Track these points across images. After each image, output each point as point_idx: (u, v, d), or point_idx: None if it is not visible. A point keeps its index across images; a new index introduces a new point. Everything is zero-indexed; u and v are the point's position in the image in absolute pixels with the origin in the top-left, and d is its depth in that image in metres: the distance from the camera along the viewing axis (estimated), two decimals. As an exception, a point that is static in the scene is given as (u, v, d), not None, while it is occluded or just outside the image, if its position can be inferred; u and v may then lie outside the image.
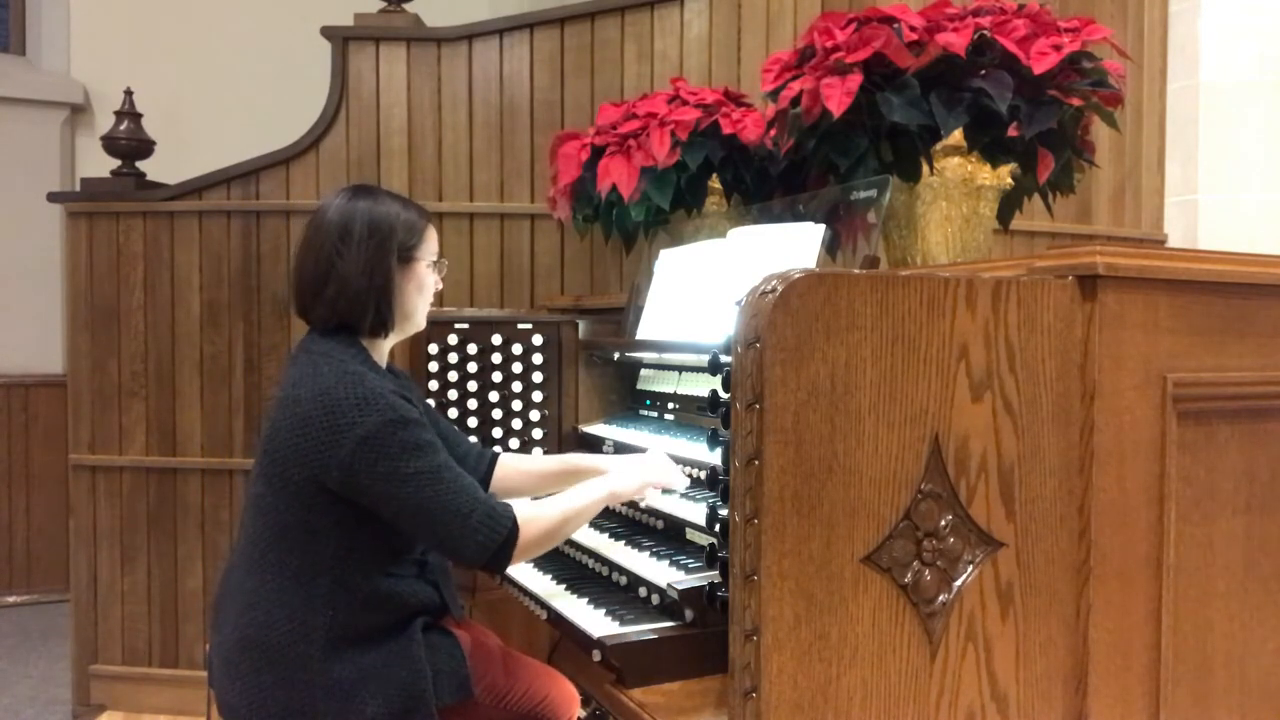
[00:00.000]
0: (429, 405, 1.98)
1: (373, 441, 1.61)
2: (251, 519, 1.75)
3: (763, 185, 2.46)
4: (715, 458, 1.51)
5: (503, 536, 1.65)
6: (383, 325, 1.78)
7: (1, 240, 5.00)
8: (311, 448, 1.63)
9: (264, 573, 1.70)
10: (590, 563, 2.04)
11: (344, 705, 1.65)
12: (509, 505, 1.68)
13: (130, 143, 3.43)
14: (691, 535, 1.89)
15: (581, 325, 2.62)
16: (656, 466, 1.94)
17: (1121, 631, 1.35)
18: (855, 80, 1.88)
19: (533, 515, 1.70)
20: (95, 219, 3.36)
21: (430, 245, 1.84)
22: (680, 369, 2.42)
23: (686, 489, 2.00)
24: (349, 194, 1.81)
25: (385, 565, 1.72)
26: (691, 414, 2.32)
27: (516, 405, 2.56)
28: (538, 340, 2.57)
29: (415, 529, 1.66)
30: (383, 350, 1.84)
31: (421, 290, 1.84)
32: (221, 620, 1.76)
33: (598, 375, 2.64)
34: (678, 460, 2.11)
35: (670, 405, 2.44)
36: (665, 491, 1.98)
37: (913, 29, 1.91)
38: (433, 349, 2.49)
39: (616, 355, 2.56)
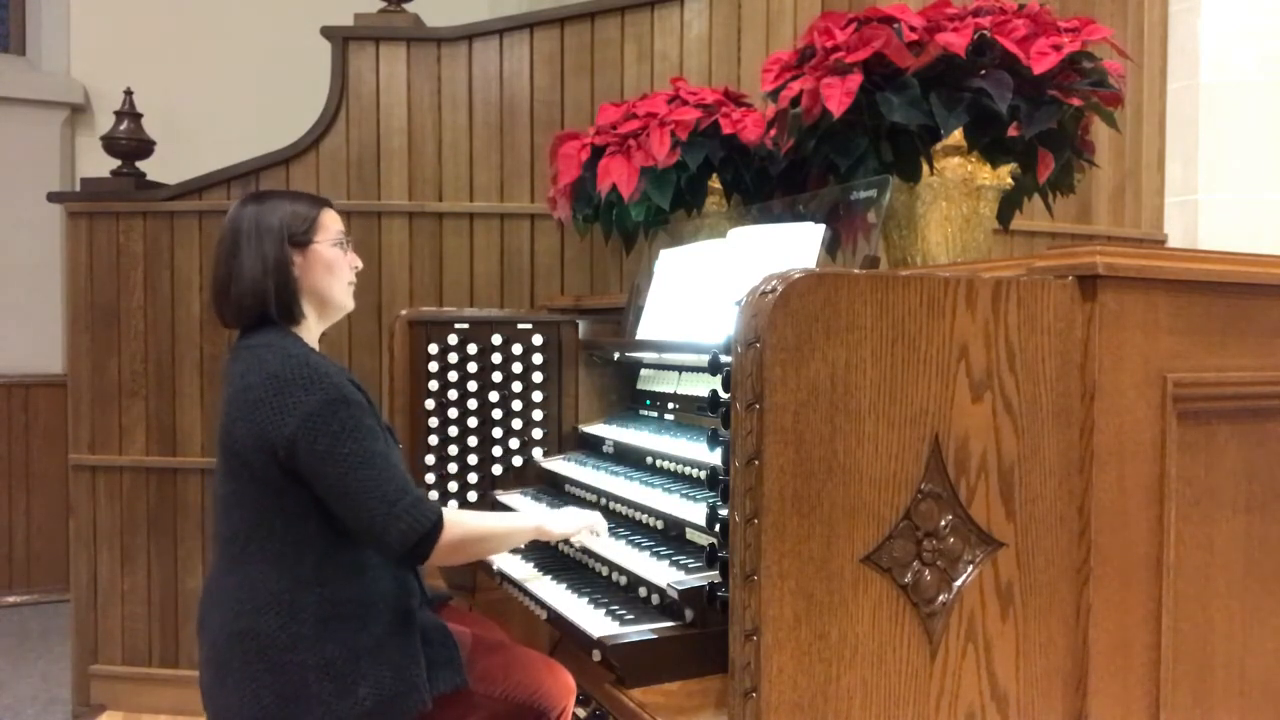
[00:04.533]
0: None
1: (315, 419, 1.65)
2: (224, 519, 1.76)
3: (763, 185, 2.46)
4: (715, 458, 1.51)
5: (424, 529, 1.67)
6: (289, 311, 1.81)
7: (1, 240, 5.00)
8: (261, 429, 1.66)
9: (247, 565, 1.70)
10: (590, 562, 2.04)
11: (336, 685, 1.65)
12: (436, 502, 1.73)
13: (130, 143, 3.43)
14: (691, 535, 1.89)
15: (581, 325, 2.62)
16: (587, 517, 2.02)
17: (1121, 631, 1.35)
18: (855, 80, 1.88)
19: (458, 519, 1.75)
20: (95, 219, 3.36)
21: (328, 228, 1.87)
22: (680, 369, 2.42)
23: (684, 490, 2.02)
24: (239, 202, 1.87)
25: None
26: (691, 414, 2.32)
27: (516, 405, 2.56)
28: (538, 340, 2.57)
29: (343, 510, 1.67)
30: (313, 337, 1.87)
31: (331, 269, 1.86)
32: (207, 628, 1.76)
33: (598, 375, 2.64)
34: (678, 460, 2.12)
35: (670, 405, 2.44)
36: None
37: (913, 29, 1.91)
38: (433, 349, 2.49)
39: (616, 355, 2.56)
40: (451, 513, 1.74)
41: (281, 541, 1.69)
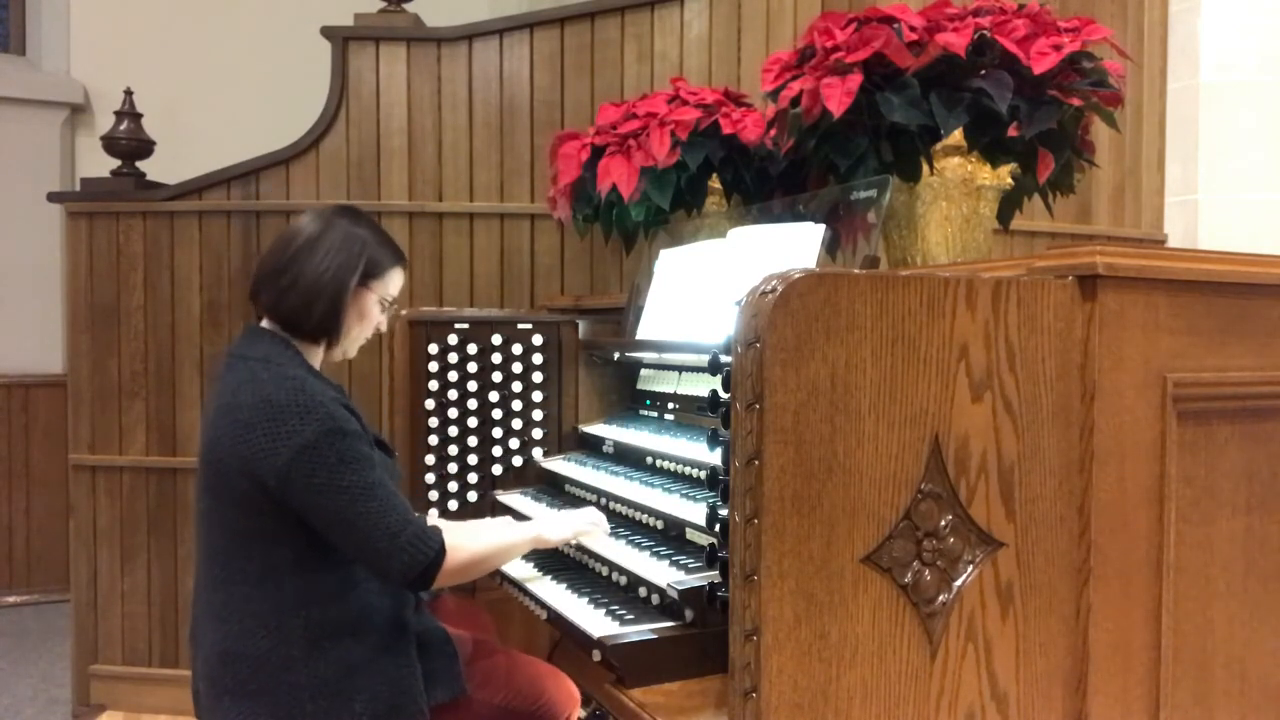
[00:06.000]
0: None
1: (311, 451, 1.61)
2: (205, 534, 1.73)
3: (763, 185, 2.46)
4: (715, 458, 1.51)
5: (428, 559, 1.66)
6: (325, 332, 1.79)
7: (1, 240, 5.00)
8: (252, 455, 1.62)
9: (230, 585, 1.68)
10: (590, 562, 2.04)
11: (331, 703, 1.64)
12: (438, 529, 1.71)
13: (130, 143, 3.43)
14: (691, 535, 1.89)
15: (581, 325, 2.62)
16: (584, 518, 2.02)
17: (1121, 631, 1.35)
18: (855, 80, 1.88)
19: (459, 544, 1.73)
20: (95, 219, 3.36)
21: (390, 284, 1.87)
22: (680, 369, 2.42)
23: (684, 490, 2.01)
24: (337, 210, 1.85)
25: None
26: (691, 414, 2.32)
27: (516, 405, 2.56)
28: (538, 340, 2.57)
29: (344, 542, 1.65)
30: (316, 360, 1.83)
31: (362, 320, 1.85)
32: (199, 644, 1.74)
33: (598, 375, 2.64)
34: (678, 460, 2.12)
35: (670, 405, 2.44)
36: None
37: (913, 29, 1.91)
38: (433, 349, 2.49)
39: (616, 355, 2.56)
40: (451, 536, 1.71)
41: (262, 564, 1.66)
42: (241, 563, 1.67)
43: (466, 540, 1.76)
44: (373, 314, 1.86)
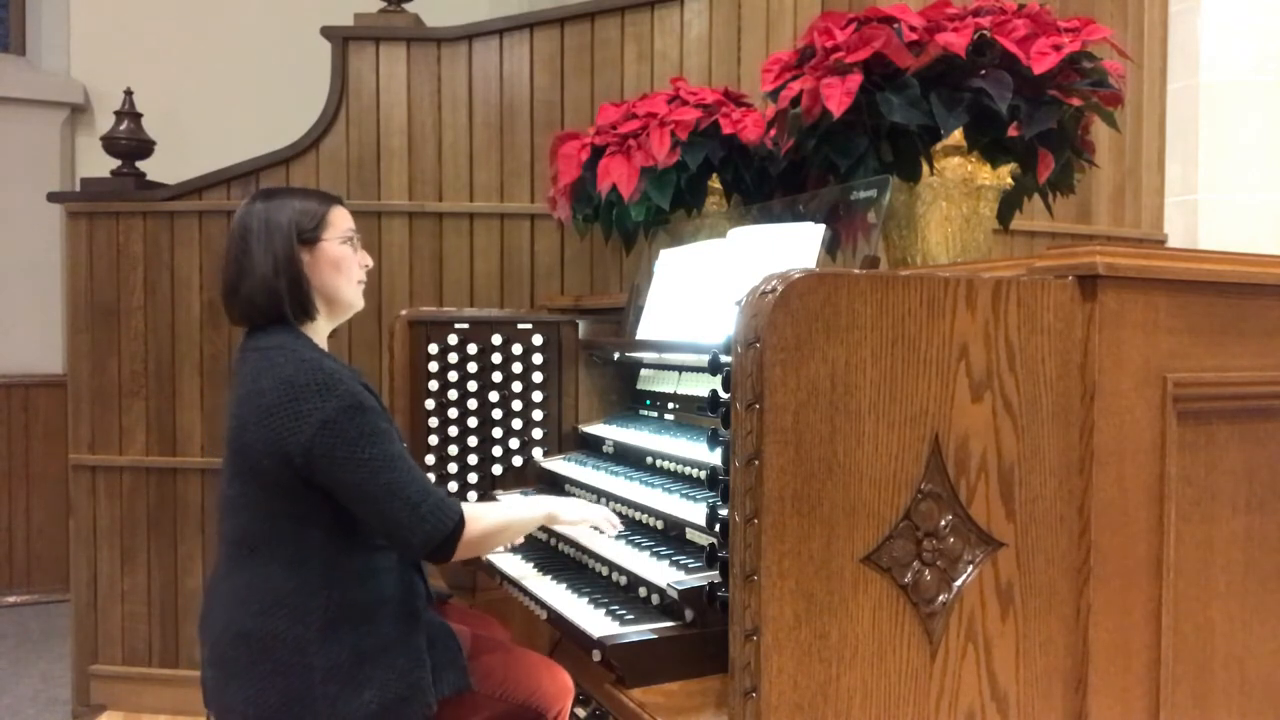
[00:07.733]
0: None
1: (333, 426, 1.64)
2: (232, 520, 1.75)
3: (763, 185, 2.46)
4: (715, 458, 1.51)
5: (449, 529, 1.69)
6: (304, 310, 1.81)
7: (1, 240, 5.00)
8: (276, 435, 1.65)
9: (254, 567, 1.70)
10: (590, 562, 2.04)
11: (341, 688, 1.65)
12: (457, 500, 1.74)
13: (130, 143, 3.43)
14: (691, 535, 1.89)
15: (581, 325, 2.62)
16: (598, 510, 2.04)
17: (1121, 631, 1.35)
18: (855, 80, 1.88)
19: (477, 515, 1.77)
20: (95, 219, 3.36)
21: (336, 225, 1.87)
22: (680, 369, 2.42)
23: (684, 490, 2.02)
24: (248, 200, 1.87)
25: (372, 538, 1.75)
26: (691, 414, 2.32)
27: (516, 405, 2.56)
28: (538, 340, 2.57)
29: (367, 514, 1.68)
30: (322, 337, 1.87)
31: (339, 267, 1.86)
32: (210, 629, 1.75)
33: (598, 375, 2.64)
34: (678, 460, 2.12)
35: (670, 405, 2.44)
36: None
37: (913, 29, 1.91)
38: (433, 349, 2.49)
39: (616, 355, 2.56)
40: (470, 508, 1.76)
41: (290, 545, 1.69)
42: (269, 544, 1.70)
43: (483, 513, 1.80)
44: (343, 255, 1.86)
